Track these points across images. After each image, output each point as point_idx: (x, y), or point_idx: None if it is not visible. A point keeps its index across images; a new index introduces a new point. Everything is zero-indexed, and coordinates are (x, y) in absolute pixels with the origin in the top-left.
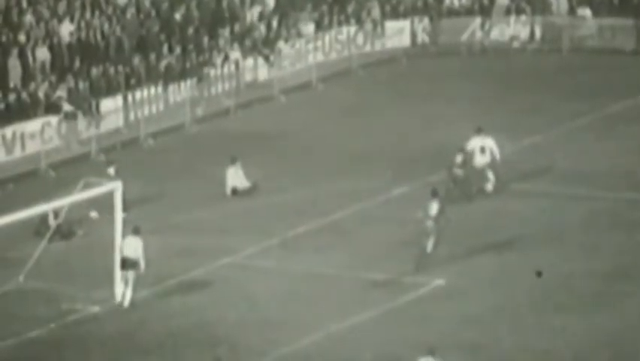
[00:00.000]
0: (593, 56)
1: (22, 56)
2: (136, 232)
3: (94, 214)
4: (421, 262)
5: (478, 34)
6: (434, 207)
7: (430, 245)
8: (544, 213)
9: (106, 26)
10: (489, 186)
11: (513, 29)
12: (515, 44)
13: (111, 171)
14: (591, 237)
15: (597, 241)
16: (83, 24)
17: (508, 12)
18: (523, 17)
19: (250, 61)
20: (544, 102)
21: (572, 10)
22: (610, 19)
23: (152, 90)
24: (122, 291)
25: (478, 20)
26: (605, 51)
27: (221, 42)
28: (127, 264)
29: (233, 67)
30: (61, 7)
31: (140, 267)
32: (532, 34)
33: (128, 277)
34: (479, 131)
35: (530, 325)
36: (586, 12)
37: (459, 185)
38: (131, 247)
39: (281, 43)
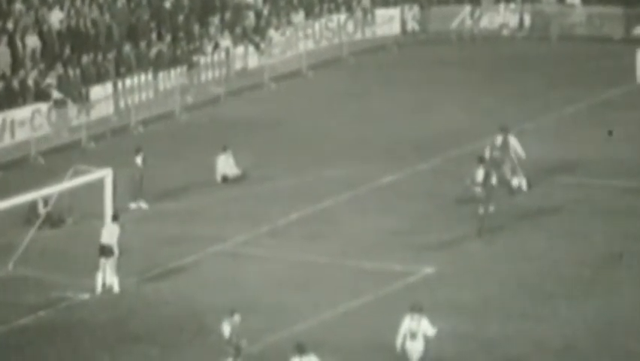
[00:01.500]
0: (581, 44)
1: (11, 43)
2: (114, 218)
3: (144, 205)
4: (482, 227)
5: (468, 22)
6: (480, 174)
7: (490, 207)
8: (533, 200)
9: (96, 14)
10: (523, 184)
11: (503, 17)
12: (505, 32)
13: (138, 160)
14: (580, 224)
15: (586, 228)
16: (72, 11)
17: (497, 0)
18: (512, 5)
19: (240, 49)
20: (534, 90)
21: None
22: (599, 7)
23: (143, 78)
24: (102, 280)
25: (467, 8)
26: (594, 39)
27: (212, 30)
28: (104, 251)
29: (223, 54)
30: None
31: (114, 252)
32: (521, 22)
33: (107, 264)
34: (502, 130)
35: (520, 312)
36: (575, 0)
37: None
38: (108, 233)
39: (271, 31)
